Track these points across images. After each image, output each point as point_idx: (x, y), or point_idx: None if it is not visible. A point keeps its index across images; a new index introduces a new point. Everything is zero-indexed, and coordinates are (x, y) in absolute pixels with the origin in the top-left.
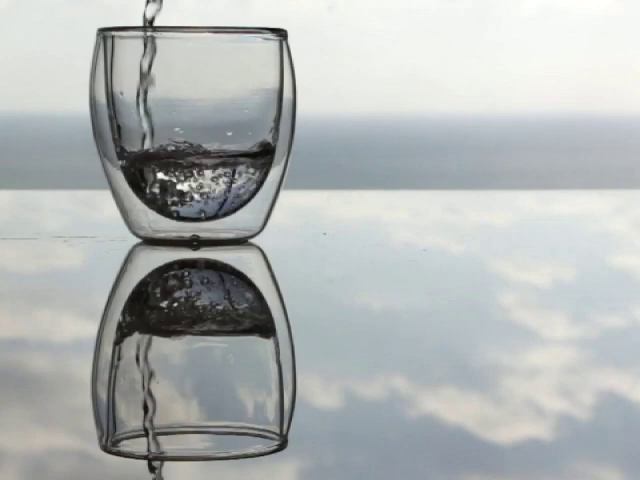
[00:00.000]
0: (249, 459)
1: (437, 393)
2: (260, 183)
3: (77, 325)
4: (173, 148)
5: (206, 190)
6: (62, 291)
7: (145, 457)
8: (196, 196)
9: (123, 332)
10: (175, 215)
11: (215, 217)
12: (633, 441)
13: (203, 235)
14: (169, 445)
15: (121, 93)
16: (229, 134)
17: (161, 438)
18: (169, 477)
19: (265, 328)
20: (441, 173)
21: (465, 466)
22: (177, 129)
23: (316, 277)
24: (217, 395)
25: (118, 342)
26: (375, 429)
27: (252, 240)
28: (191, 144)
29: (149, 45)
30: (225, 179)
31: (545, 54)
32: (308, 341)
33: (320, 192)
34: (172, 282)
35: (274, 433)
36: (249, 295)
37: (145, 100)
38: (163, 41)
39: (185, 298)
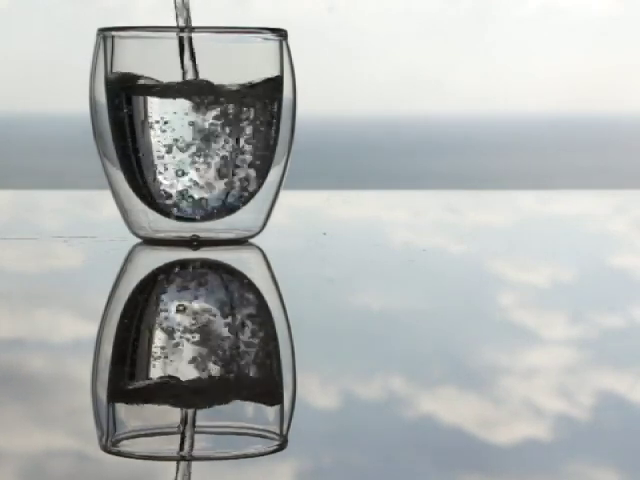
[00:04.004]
0: (249, 459)
1: (436, 393)
2: (261, 183)
3: (77, 325)
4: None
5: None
6: (62, 291)
7: (145, 457)
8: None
9: (123, 332)
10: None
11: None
12: (631, 442)
13: (203, 235)
14: (169, 445)
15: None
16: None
17: (161, 438)
18: (169, 477)
19: (265, 328)
20: (441, 173)
21: (463, 466)
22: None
23: (316, 277)
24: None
25: (118, 342)
26: (374, 429)
27: (252, 240)
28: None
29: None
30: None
31: (545, 54)
32: (308, 341)
33: (320, 192)
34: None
35: (274, 433)
36: (249, 296)
37: None
38: (163, 41)
39: (186, 300)
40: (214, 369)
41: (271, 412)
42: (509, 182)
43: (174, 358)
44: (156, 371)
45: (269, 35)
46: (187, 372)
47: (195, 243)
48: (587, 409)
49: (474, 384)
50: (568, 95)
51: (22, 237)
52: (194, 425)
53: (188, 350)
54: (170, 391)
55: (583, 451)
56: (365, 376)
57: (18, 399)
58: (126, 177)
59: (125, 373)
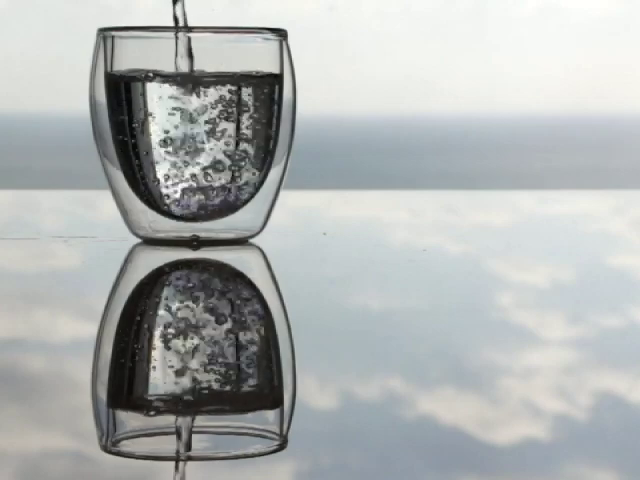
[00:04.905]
0: (249, 459)
1: (435, 394)
2: (261, 183)
3: (77, 325)
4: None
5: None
6: (62, 291)
7: (145, 457)
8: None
9: (123, 332)
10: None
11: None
12: (631, 442)
13: (203, 235)
14: (169, 445)
15: None
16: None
17: (161, 438)
18: (169, 477)
19: (265, 328)
20: (441, 173)
21: (463, 467)
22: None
23: (316, 277)
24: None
25: (118, 342)
26: (374, 430)
27: (252, 240)
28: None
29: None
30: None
31: (545, 54)
32: (308, 341)
33: (320, 192)
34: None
35: (274, 433)
36: (249, 296)
37: None
38: (163, 41)
39: (186, 299)
40: (214, 369)
41: (271, 412)
42: (509, 182)
43: (174, 359)
44: (156, 372)
45: (269, 35)
46: (187, 373)
47: (195, 243)
48: (586, 409)
49: (473, 384)
50: (567, 95)
51: (22, 237)
52: (194, 426)
53: (188, 350)
54: (170, 393)
55: (582, 451)
56: (365, 376)
57: (18, 399)
58: (126, 177)
59: (125, 374)
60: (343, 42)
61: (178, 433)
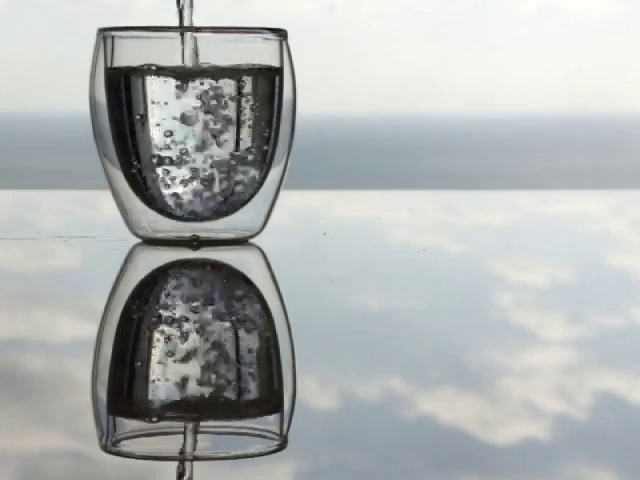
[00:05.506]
0: (249, 459)
1: (435, 394)
2: (260, 183)
3: (77, 325)
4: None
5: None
6: (62, 291)
7: (145, 457)
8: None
9: (123, 332)
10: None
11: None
12: (631, 442)
13: (203, 235)
14: (169, 445)
15: None
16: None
17: (161, 438)
18: (169, 477)
19: (265, 328)
20: (441, 173)
21: (463, 467)
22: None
23: (316, 277)
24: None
25: (118, 342)
26: (374, 430)
27: (252, 240)
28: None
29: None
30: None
31: (545, 54)
32: (308, 341)
33: (320, 192)
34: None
35: (274, 433)
36: (249, 296)
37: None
38: (163, 41)
39: (186, 297)
40: (214, 370)
41: (271, 412)
42: (509, 182)
43: (173, 359)
44: (156, 373)
45: (269, 35)
46: (187, 373)
47: (195, 243)
48: (586, 409)
49: (473, 384)
50: (567, 95)
51: (22, 237)
52: (195, 426)
53: (188, 351)
54: (170, 394)
55: (582, 451)
56: (365, 376)
57: (18, 399)
58: (126, 177)
59: (125, 374)
60: (343, 42)
61: (178, 433)
